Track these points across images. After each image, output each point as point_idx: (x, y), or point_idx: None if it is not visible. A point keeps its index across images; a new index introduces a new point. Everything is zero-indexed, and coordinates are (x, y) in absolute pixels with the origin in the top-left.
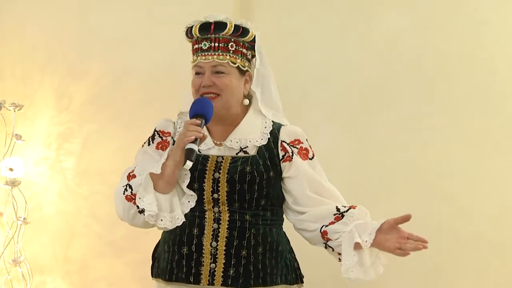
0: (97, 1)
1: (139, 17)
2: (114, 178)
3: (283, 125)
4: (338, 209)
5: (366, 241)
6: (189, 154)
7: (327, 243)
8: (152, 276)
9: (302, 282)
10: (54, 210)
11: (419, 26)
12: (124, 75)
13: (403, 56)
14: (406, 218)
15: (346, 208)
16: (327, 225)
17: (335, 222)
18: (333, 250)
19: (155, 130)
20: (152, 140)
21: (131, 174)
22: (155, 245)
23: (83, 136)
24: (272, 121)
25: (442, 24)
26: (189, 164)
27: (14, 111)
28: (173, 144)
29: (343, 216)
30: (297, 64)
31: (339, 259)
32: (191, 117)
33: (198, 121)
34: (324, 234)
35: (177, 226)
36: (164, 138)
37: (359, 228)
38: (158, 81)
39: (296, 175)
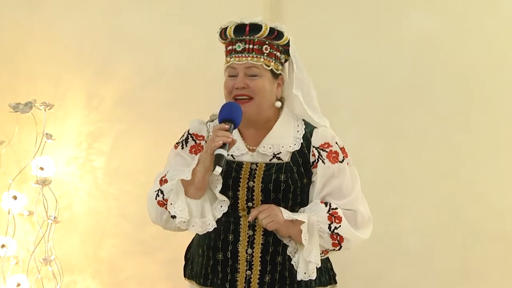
0: (127, 2)
1: (168, 18)
2: (144, 177)
3: (315, 128)
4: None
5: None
6: (218, 159)
7: None
8: (185, 277)
9: (335, 282)
10: (84, 209)
11: (450, 26)
12: (154, 75)
13: (433, 56)
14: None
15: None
16: None
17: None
18: None
19: (188, 133)
20: (186, 143)
21: (163, 178)
22: (186, 244)
23: (113, 136)
24: (305, 125)
25: (473, 24)
26: (218, 169)
27: (45, 110)
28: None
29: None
30: (327, 63)
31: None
32: (220, 122)
33: (227, 126)
34: None
35: (212, 231)
36: (197, 141)
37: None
38: (188, 81)
39: (316, 180)
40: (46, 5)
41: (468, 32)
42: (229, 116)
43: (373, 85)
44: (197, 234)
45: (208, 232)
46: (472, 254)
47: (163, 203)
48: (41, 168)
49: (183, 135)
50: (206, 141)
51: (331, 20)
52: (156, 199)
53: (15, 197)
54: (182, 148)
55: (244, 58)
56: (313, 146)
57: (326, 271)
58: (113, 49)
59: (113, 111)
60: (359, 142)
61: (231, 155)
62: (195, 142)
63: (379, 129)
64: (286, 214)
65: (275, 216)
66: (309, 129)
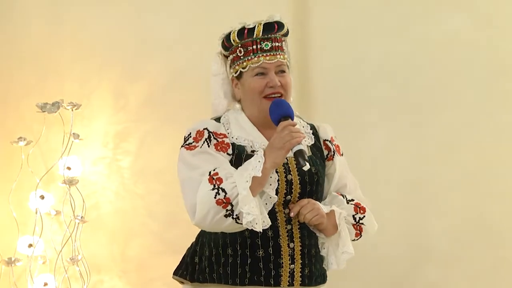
0: (154, 2)
1: (195, 18)
2: (170, 177)
3: (313, 123)
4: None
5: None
6: (303, 155)
7: None
8: (194, 281)
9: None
10: (111, 209)
11: (477, 25)
12: (180, 75)
13: (461, 56)
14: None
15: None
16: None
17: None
18: None
19: (208, 131)
20: (209, 141)
21: (214, 177)
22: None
23: (139, 136)
24: (303, 120)
25: (502, 23)
26: (308, 165)
27: (72, 110)
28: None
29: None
30: (355, 62)
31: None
32: (277, 120)
33: (295, 122)
34: None
35: (246, 229)
36: (219, 139)
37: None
38: None
39: (333, 174)
40: (73, 6)
41: (496, 31)
42: (286, 112)
43: (401, 85)
44: (215, 235)
45: (239, 231)
46: (500, 254)
47: (222, 202)
48: (68, 168)
49: (195, 134)
50: (227, 139)
51: (358, 20)
52: (215, 197)
53: (42, 197)
54: (208, 146)
55: (273, 57)
56: (325, 140)
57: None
58: (140, 49)
59: (139, 111)
60: (387, 143)
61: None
62: (217, 140)
63: (407, 129)
64: (323, 207)
65: (318, 210)
66: (310, 124)
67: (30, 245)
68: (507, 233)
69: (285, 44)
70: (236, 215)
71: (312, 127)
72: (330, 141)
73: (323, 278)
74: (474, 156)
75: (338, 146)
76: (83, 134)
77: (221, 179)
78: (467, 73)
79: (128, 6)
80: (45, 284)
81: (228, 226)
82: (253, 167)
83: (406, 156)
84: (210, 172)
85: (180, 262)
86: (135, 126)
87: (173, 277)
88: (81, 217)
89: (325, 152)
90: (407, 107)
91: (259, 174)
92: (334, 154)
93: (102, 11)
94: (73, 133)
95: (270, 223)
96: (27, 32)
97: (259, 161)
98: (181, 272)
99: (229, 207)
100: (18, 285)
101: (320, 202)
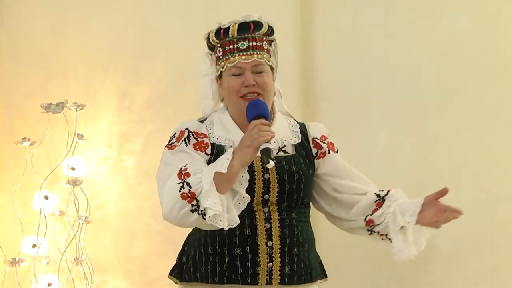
0: (158, 2)
1: (199, 17)
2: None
3: (304, 122)
4: (378, 195)
5: (409, 222)
6: (269, 153)
7: (373, 229)
8: (181, 281)
9: (326, 276)
10: (115, 209)
11: (482, 25)
12: (185, 75)
13: (465, 56)
14: (444, 192)
15: (385, 192)
16: (371, 214)
17: (377, 208)
18: (378, 233)
19: (188, 131)
20: (188, 141)
21: (183, 172)
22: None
23: (144, 136)
24: (293, 119)
25: (505, 23)
26: (272, 163)
27: (76, 110)
28: (229, 147)
29: (383, 200)
30: (358, 62)
31: (382, 239)
32: (251, 119)
33: (267, 122)
34: (369, 222)
35: (223, 228)
36: (199, 139)
37: (401, 208)
38: None
39: (337, 170)
40: (78, 6)
41: (501, 31)
42: (262, 112)
43: (405, 85)
44: (197, 235)
45: (218, 229)
46: (503, 254)
47: (187, 196)
48: (73, 168)
49: (178, 134)
50: (208, 139)
51: (363, 20)
52: (180, 191)
53: (46, 197)
54: (186, 145)
55: (250, 56)
56: (315, 138)
57: (320, 264)
58: (144, 49)
59: (144, 111)
60: (391, 142)
61: None
62: (197, 140)
63: (411, 129)
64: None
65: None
66: (300, 123)
67: (34, 246)
68: (511, 233)
69: (266, 44)
70: (202, 210)
71: (302, 126)
72: (320, 139)
73: (309, 277)
74: (478, 156)
75: (331, 143)
76: (87, 135)
77: (189, 173)
78: (471, 74)
79: (132, 7)
80: (49, 285)
81: (194, 222)
82: (221, 164)
83: (410, 156)
84: (181, 168)
85: (175, 262)
86: (139, 127)
87: (168, 277)
88: (85, 218)
89: (314, 151)
90: (411, 108)
91: (224, 170)
92: (326, 152)
93: (106, 12)
94: (78, 134)
95: (238, 222)
96: (32, 33)
97: (227, 158)
98: (175, 272)
99: (194, 202)
100: (22, 286)
101: (304, 201)
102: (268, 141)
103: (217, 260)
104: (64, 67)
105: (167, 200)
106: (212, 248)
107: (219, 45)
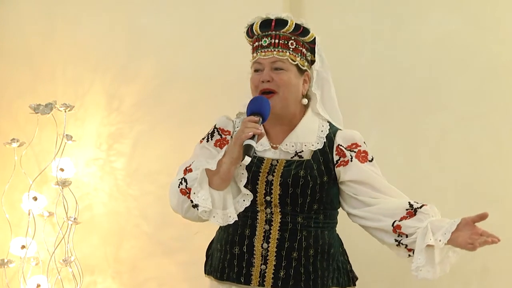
0: (147, 2)
1: (189, 18)
2: (164, 178)
3: (340, 129)
4: (411, 205)
5: (440, 241)
6: (247, 149)
7: (401, 241)
8: (205, 273)
9: (354, 284)
10: (104, 211)
11: (470, 27)
12: (174, 76)
13: (454, 57)
14: (484, 216)
15: (419, 205)
16: (399, 220)
17: (407, 217)
18: (406, 247)
19: (214, 127)
20: (211, 137)
21: (187, 168)
22: (206, 245)
23: (133, 137)
24: (329, 125)
25: (493, 24)
26: (248, 159)
27: (65, 111)
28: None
29: (416, 211)
30: (347, 64)
31: (409, 255)
32: (248, 115)
33: (256, 118)
34: (397, 228)
35: (230, 226)
36: (223, 136)
37: (434, 225)
38: (208, 82)
39: (359, 179)
40: (67, 7)
41: (488, 32)
42: (257, 109)
43: (393, 86)
44: (218, 230)
45: (227, 226)
46: (491, 255)
47: (185, 192)
48: (61, 169)
49: (210, 130)
50: (231, 137)
51: (351, 21)
52: (179, 187)
53: (35, 198)
54: (208, 141)
55: (269, 53)
56: (340, 145)
57: (345, 272)
58: (133, 50)
59: (133, 112)
60: (379, 143)
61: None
62: (221, 137)
63: (399, 130)
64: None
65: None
66: (333, 129)
67: (23, 247)
68: (498, 234)
69: (295, 43)
70: (194, 206)
71: (333, 132)
72: (346, 147)
73: (312, 283)
74: (466, 157)
75: (362, 152)
76: (76, 136)
77: (191, 170)
78: (459, 75)
79: (120, 8)
80: (38, 286)
81: (197, 216)
82: (214, 161)
83: (398, 157)
84: (190, 164)
85: None
86: (128, 128)
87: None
88: (74, 219)
89: (336, 158)
90: (399, 109)
91: (213, 167)
92: (349, 160)
93: (95, 13)
94: (66, 135)
95: (236, 219)
96: (20, 34)
97: (220, 156)
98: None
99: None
100: (10, 287)
101: (313, 207)
102: (252, 138)
103: (221, 257)
104: (53, 68)
105: (171, 194)
106: (220, 244)
107: (251, 43)
